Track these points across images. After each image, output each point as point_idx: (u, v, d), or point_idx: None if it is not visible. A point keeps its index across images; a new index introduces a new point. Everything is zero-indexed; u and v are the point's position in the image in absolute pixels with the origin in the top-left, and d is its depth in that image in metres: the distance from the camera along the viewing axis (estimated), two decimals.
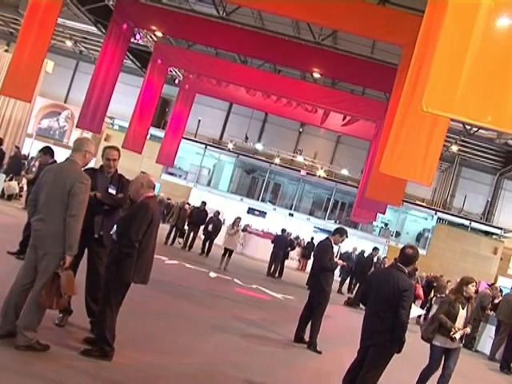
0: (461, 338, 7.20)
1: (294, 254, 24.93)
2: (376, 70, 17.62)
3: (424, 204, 34.24)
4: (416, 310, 7.81)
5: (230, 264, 16.87)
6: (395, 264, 5.91)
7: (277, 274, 19.55)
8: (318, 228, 32.74)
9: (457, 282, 7.85)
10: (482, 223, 33.52)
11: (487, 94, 5.20)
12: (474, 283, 7.48)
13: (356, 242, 26.79)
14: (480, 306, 14.65)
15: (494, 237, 33.03)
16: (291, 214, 33.47)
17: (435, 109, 5.31)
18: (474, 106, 5.29)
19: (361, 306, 6.54)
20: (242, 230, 21.08)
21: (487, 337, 14.82)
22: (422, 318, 16.04)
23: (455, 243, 31.61)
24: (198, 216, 19.58)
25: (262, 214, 33.63)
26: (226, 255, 16.92)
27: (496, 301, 14.96)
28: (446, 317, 7.14)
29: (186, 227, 19.51)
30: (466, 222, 33.20)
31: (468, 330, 7.32)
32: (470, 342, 14.29)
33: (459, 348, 7.35)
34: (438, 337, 7.17)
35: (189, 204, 21.60)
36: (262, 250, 23.46)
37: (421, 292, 16.41)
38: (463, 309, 7.24)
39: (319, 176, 33.37)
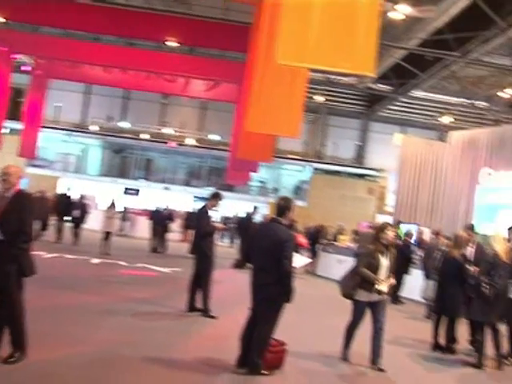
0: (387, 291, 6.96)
1: (177, 226, 25.12)
2: (231, 31, 17.89)
3: (297, 157, 35.45)
4: (301, 259, 7.71)
5: (110, 247, 16.81)
6: (272, 218, 6.25)
7: (160, 249, 19.79)
8: (198, 197, 33.05)
9: (373, 234, 7.39)
10: (356, 167, 35.36)
11: (339, 41, 5.53)
12: (390, 227, 7.23)
13: (236, 205, 27.42)
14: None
15: (369, 178, 34.96)
16: (167, 188, 33.48)
17: (290, 60, 5.59)
18: (327, 53, 5.61)
19: (248, 265, 6.50)
20: (123, 212, 20.91)
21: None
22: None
23: (333, 190, 33.14)
24: (62, 204, 19.20)
25: (137, 192, 33.48)
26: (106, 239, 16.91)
27: None
28: (368, 269, 6.89)
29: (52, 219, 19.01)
30: (341, 169, 34.88)
31: (393, 280, 7.12)
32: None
33: (384, 299, 7.10)
34: (361, 292, 6.93)
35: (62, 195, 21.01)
36: (142, 228, 23.65)
37: (303, 240, 17.31)
38: (385, 258, 7.01)
39: (190, 145, 33.53)
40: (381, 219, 26.63)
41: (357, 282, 6.93)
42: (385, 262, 6.96)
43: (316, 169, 34.96)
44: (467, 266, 8.28)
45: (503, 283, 7.49)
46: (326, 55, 5.25)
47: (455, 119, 30.52)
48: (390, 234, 7.08)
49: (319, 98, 31.40)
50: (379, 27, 6.27)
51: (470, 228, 9.15)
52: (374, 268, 6.90)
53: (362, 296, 6.93)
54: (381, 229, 7.14)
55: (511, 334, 8.06)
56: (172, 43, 20.46)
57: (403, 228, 16.97)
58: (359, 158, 36.81)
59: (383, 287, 6.86)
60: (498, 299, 7.44)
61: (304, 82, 9.33)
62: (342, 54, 5.26)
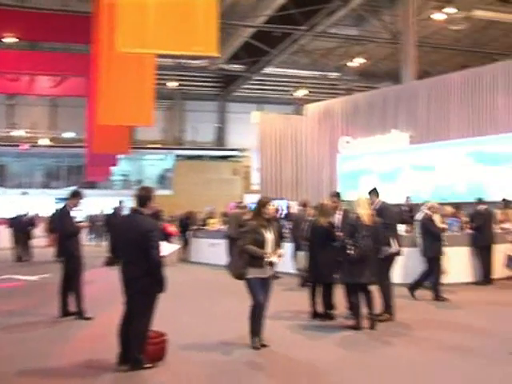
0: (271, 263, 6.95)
1: (40, 231, 24.12)
2: (71, 22, 17.18)
3: (157, 146, 35.20)
4: (168, 247, 7.55)
5: None
6: (134, 209, 6.21)
7: (25, 257, 19.01)
8: (59, 198, 31.82)
9: (254, 209, 7.29)
10: (218, 149, 35.68)
11: (179, 24, 5.53)
12: (271, 202, 7.24)
13: (100, 201, 26.77)
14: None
15: (232, 159, 35.43)
16: (25, 193, 32.00)
17: (130, 47, 5.53)
18: (168, 37, 5.60)
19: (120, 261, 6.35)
20: None
21: None
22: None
23: (197, 175, 33.21)
24: None
25: None
26: None
27: None
28: (254, 245, 6.87)
29: None
30: (203, 153, 35.04)
31: (281, 251, 7.21)
32: None
33: (271, 277, 7.11)
34: (252, 270, 6.86)
35: None
36: (1, 238, 22.46)
37: (171, 229, 17.37)
38: (269, 232, 7.02)
39: (44, 146, 32.26)
40: (248, 198, 27.15)
41: (246, 261, 6.89)
42: (269, 235, 6.99)
43: (178, 156, 34.88)
44: (335, 232, 8.64)
45: (367, 244, 7.89)
46: (167, 39, 5.26)
47: (309, 92, 31.64)
48: (271, 208, 7.16)
49: (172, 84, 31.28)
50: (225, 7, 6.37)
51: (336, 195, 9.51)
52: (260, 243, 6.91)
53: (254, 273, 6.87)
54: (262, 204, 7.11)
55: (383, 293, 8.58)
56: (10, 39, 19.43)
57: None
58: (220, 140, 37.19)
59: (274, 258, 6.94)
60: (364, 260, 7.84)
61: (152, 69, 9.23)
62: (183, 37, 5.29)
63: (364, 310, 8.06)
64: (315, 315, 8.86)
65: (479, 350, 6.78)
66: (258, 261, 6.87)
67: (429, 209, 10.80)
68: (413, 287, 10.48)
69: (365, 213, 8.03)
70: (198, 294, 11.97)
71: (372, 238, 7.95)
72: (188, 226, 19.42)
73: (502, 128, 17.79)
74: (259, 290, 6.91)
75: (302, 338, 7.67)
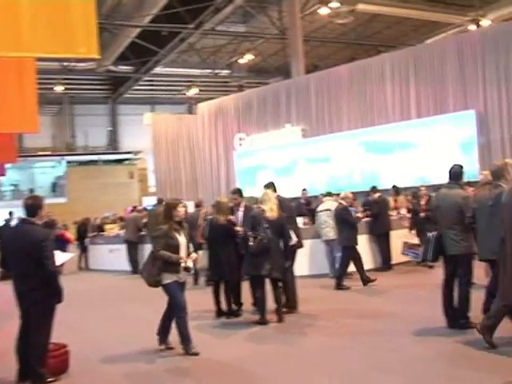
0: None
1: None
2: None
3: (48, 152, 34.06)
4: (63, 256, 7.27)
5: None
6: (23, 219, 6.00)
7: None
8: None
9: (162, 211, 7.09)
10: (111, 153, 34.97)
11: (55, 27, 5.34)
12: (181, 204, 6.96)
13: None
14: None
15: (127, 162, 34.86)
16: None
17: (6, 51, 5.29)
18: (43, 40, 5.40)
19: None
20: None
21: None
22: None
23: (92, 181, 32.43)
24: None
25: None
26: None
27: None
28: (168, 250, 6.64)
29: None
30: (96, 157, 34.23)
31: (195, 254, 7.05)
32: None
33: (185, 282, 6.96)
34: (167, 275, 6.67)
35: None
36: None
37: (69, 235, 17.03)
38: (181, 235, 6.84)
39: None
40: (146, 201, 26.88)
41: (159, 267, 6.67)
42: (182, 239, 6.84)
43: (70, 162, 33.89)
44: (235, 228, 8.64)
45: (268, 236, 7.96)
46: (44, 42, 5.06)
47: (201, 90, 31.64)
48: (181, 210, 6.90)
49: (59, 88, 30.34)
50: (107, 7, 6.24)
51: (236, 192, 9.52)
52: (174, 248, 6.71)
53: (170, 278, 6.68)
54: (172, 206, 6.87)
55: (285, 285, 8.72)
56: None
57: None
58: (113, 144, 36.49)
59: (190, 263, 6.79)
60: (265, 252, 7.90)
61: (33, 73, 8.87)
62: (61, 39, 5.11)
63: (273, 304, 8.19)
64: (220, 313, 8.88)
65: (385, 334, 7.05)
66: (172, 266, 6.69)
67: (342, 199, 11.15)
68: (339, 279, 10.72)
69: (269, 207, 8.14)
70: (100, 301, 11.73)
71: (275, 232, 8.05)
72: (85, 232, 18.97)
73: (391, 117, 18.56)
74: (179, 293, 6.77)
75: (210, 337, 7.66)
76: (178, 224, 6.87)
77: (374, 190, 13.31)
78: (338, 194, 12.20)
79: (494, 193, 6.34)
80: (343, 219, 10.81)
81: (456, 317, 6.87)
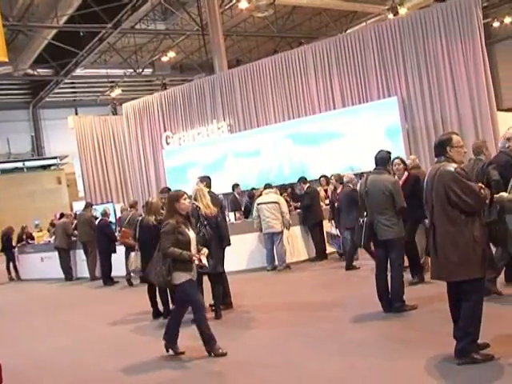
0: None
1: None
2: None
3: None
4: None
5: None
6: None
7: None
8: None
9: (165, 204, 6.68)
10: (36, 159, 33.97)
11: None
12: (184, 195, 6.41)
13: None
14: None
15: (53, 167, 33.93)
16: None
17: None
18: None
19: None
20: None
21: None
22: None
23: (18, 189, 31.36)
24: None
25: None
26: None
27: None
28: (178, 247, 6.15)
29: None
30: (20, 164, 33.16)
31: (206, 250, 6.51)
32: None
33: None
34: (179, 274, 6.18)
35: None
36: None
37: None
38: (189, 230, 6.43)
39: None
40: (76, 206, 26.24)
41: (169, 266, 6.14)
42: (192, 234, 6.41)
43: None
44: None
45: (208, 232, 7.91)
46: None
47: (124, 91, 31.09)
48: (185, 202, 6.37)
49: None
50: (19, 9, 5.95)
51: (167, 192, 9.35)
52: (185, 244, 6.22)
53: (182, 277, 6.18)
54: (175, 199, 6.35)
55: (226, 280, 8.68)
56: None
57: (99, 209, 16.86)
58: (38, 149, 35.43)
59: (204, 260, 6.32)
60: (208, 249, 7.84)
61: None
62: None
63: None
64: (157, 314, 8.79)
65: (322, 322, 7.11)
66: (185, 264, 6.21)
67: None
68: (350, 259, 10.82)
69: (205, 203, 8.07)
70: (34, 311, 11.40)
71: (212, 228, 8.03)
72: (9, 242, 18.41)
73: (316, 108, 18.73)
74: (195, 291, 6.37)
75: (150, 339, 7.56)
76: (184, 218, 6.38)
77: (303, 181, 13.33)
78: (326, 177, 12.27)
79: (478, 166, 7.10)
80: (355, 201, 10.75)
81: (391, 301, 6.96)
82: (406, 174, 8.58)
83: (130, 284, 12.61)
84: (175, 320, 6.55)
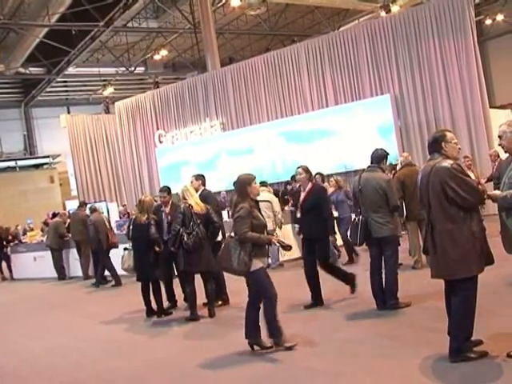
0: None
1: None
2: None
3: None
4: None
5: None
6: None
7: None
8: None
9: (237, 190, 6.21)
10: (29, 158, 33.80)
11: None
12: (255, 179, 6.17)
13: None
14: None
15: (46, 166, 33.78)
16: None
17: None
18: None
19: None
20: None
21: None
22: None
23: (11, 188, 31.21)
24: None
25: None
26: None
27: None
28: (255, 232, 5.87)
29: None
30: (12, 163, 33.00)
31: (278, 232, 6.05)
32: None
33: None
34: (255, 261, 5.86)
35: None
36: None
37: None
38: (260, 212, 6.19)
39: None
40: (69, 205, 26.14)
41: (249, 252, 5.79)
42: (264, 218, 6.21)
43: None
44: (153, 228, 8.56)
45: (202, 231, 7.87)
46: None
47: (117, 89, 30.98)
48: (256, 186, 6.14)
49: None
50: (9, 7, 5.92)
51: (165, 190, 9.25)
52: (260, 229, 5.95)
53: (258, 264, 5.88)
54: (247, 183, 6.06)
55: (217, 280, 8.64)
56: None
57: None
58: (30, 148, 35.26)
59: (284, 241, 6.05)
60: (199, 247, 7.83)
61: None
62: None
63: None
64: (151, 313, 8.76)
65: (317, 319, 7.11)
66: (261, 249, 5.94)
67: None
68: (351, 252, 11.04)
69: (194, 201, 8.05)
70: (27, 311, 11.32)
71: (204, 225, 7.99)
72: (3, 241, 18.34)
73: (309, 106, 18.73)
74: (269, 279, 5.98)
75: (143, 338, 7.53)
76: (254, 201, 6.12)
77: (295, 179, 13.26)
78: (321, 174, 12.27)
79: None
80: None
81: (385, 298, 6.95)
82: (309, 184, 7.75)
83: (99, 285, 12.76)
84: (254, 313, 6.07)
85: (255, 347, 5.98)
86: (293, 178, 13.42)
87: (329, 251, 7.99)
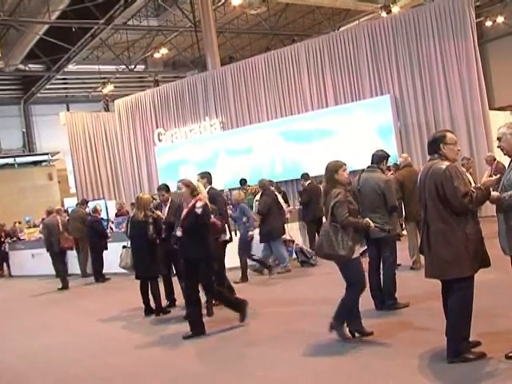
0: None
1: None
2: None
3: None
4: None
5: None
6: None
7: None
8: None
9: (326, 177, 6.04)
10: (27, 155, 33.77)
11: None
12: (344, 166, 6.02)
13: None
14: None
15: (44, 164, 33.74)
16: None
17: None
18: None
19: None
20: None
21: None
22: None
23: (9, 185, 31.18)
24: None
25: None
26: None
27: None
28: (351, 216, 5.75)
29: None
30: (11, 160, 32.97)
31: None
32: None
33: None
34: (357, 247, 5.85)
35: None
36: None
37: None
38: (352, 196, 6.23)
39: None
40: (68, 202, 26.15)
41: (352, 237, 5.69)
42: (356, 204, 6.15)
43: None
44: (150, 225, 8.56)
45: None
46: None
47: (116, 87, 30.95)
48: (345, 174, 5.99)
49: None
50: (10, 4, 5.91)
51: (163, 188, 9.24)
52: (355, 214, 5.85)
53: (356, 251, 5.84)
54: (335, 169, 5.93)
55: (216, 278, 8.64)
56: None
57: (90, 205, 16.80)
58: (29, 145, 35.23)
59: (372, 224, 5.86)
60: None
61: None
62: None
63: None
64: (149, 311, 8.76)
65: (314, 319, 7.11)
66: (359, 236, 5.86)
67: None
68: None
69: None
70: (24, 307, 11.34)
71: None
72: (0, 238, 18.36)
73: (309, 106, 18.74)
74: (362, 267, 5.97)
75: (140, 336, 7.53)
76: (342, 185, 5.96)
77: (304, 177, 13.32)
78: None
79: None
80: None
81: (384, 299, 6.96)
82: (193, 200, 7.03)
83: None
84: (354, 302, 5.97)
85: (356, 334, 5.95)
86: (302, 176, 13.40)
87: (211, 274, 7.22)
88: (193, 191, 7.04)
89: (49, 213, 14.20)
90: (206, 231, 7.01)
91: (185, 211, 7.09)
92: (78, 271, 14.86)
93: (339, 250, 5.67)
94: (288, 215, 12.50)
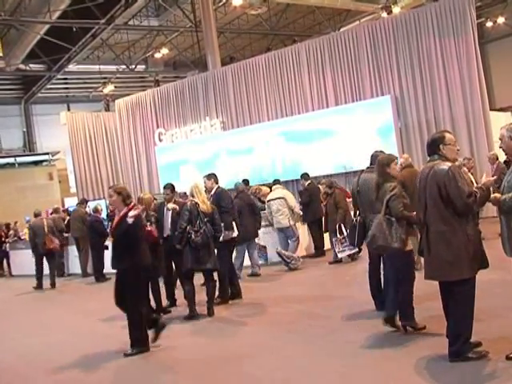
0: None
1: None
2: None
3: None
4: None
5: None
6: None
7: None
8: None
9: (378, 170, 6.16)
10: (28, 155, 33.77)
11: None
12: (395, 159, 6.27)
13: None
14: None
15: (45, 163, 33.74)
16: None
17: None
18: None
19: None
20: None
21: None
22: None
23: (10, 184, 31.19)
24: None
25: None
26: None
27: None
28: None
29: None
30: (12, 160, 32.97)
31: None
32: None
33: None
34: (411, 239, 5.99)
35: None
36: None
37: None
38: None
39: None
40: (68, 202, 26.16)
41: (406, 230, 5.76)
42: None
43: None
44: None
45: (209, 229, 7.94)
46: None
47: (117, 87, 30.95)
48: (396, 166, 6.18)
49: None
50: (10, 3, 5.89)
51: (169, 188, 9.23)
52: (408, 208, 5.85)
53: (410, 244, 5.92)
54: (386, 163, 6.10)
55: (221, 277, 8.65)
56: None
57: (91, 205, 16.82)
58: (30, 145, 35.24)
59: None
60: (207, 245, 7.89)
61: None
62: None
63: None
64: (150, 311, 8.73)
65: (318, 319, 7.12)
66: (412, 228, 5.95)
67: None
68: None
69: (201, 199, 8.07)
70: (25, 307, 11.34)
71: (210, 224, 8.04)
72: (4, 238, 18.36)
73: (309, 106, 18.72)
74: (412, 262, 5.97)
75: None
76: (393, 177, 6.10)
77: (305, 177, 13.30)
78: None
79: None
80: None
81: (383, 299, 6.94)
82: (125, 209, 6.64)
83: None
84: (408, 294, 5.99)
85: (408, 329, 5.93)
86: (302, 176, 13.37)
87: (139, 288, 6.77)
88: (125, 199, 6.64)
89: (36, 215, 14.36)
90: (135, 241, 6.57)
91: (116, 219, 6.83)
92: (79, 271, 14.85)
93: (392, 243, 5.71)
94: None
